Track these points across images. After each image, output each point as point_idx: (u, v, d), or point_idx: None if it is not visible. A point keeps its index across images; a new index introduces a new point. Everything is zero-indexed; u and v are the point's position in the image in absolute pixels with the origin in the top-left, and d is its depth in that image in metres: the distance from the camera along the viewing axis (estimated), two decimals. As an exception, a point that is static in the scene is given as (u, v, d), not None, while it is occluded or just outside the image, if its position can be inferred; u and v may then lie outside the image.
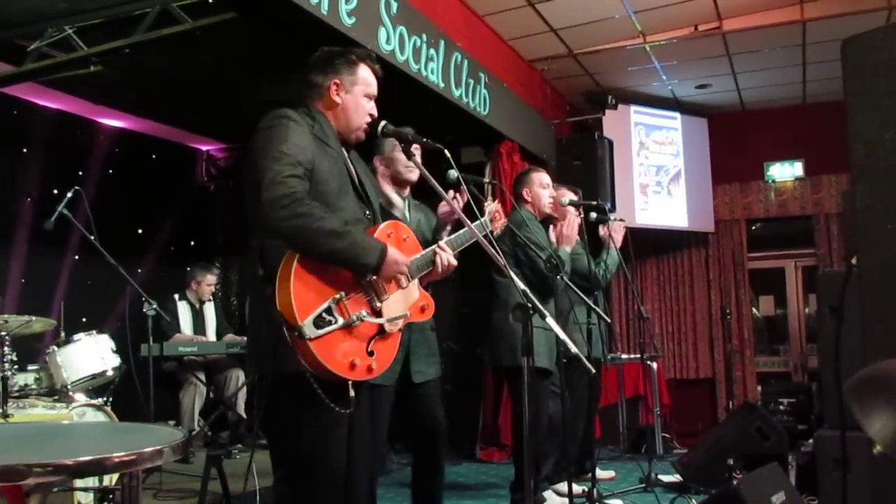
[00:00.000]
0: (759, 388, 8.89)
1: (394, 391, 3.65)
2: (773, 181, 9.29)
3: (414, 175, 3.73)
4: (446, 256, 2.85)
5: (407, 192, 3.86)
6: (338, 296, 2.45)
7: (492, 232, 3.29)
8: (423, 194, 3.73)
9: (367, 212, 2.74)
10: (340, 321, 2.43)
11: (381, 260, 2.49)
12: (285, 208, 2.34)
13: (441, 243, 2.93)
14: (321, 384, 2.36)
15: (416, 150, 3.73)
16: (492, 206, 3.47)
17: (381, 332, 2.57)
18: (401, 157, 3.69)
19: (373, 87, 2.76)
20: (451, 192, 3.14)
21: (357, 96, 2.72)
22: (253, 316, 2.63)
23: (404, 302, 2.70)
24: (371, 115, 2.75)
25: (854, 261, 2.13)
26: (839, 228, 8.79)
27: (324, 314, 2.39)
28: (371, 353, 2.52)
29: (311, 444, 2.48)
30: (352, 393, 2.49)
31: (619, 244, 5.40)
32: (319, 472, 2.49)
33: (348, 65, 2.72)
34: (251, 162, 2.46)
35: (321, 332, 2.36)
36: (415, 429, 3.82)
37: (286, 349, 2.33)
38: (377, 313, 2.56)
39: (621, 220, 5.56)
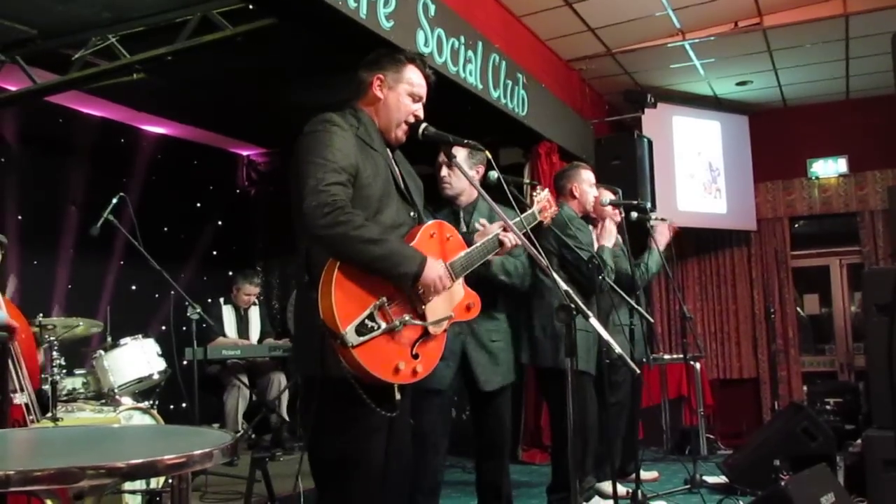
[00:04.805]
0: (805, 387, 8.76)
1: (451, 398, 3.69)
2: (817, 178, 9.13)
3: (451, 191, 3.76)
4: (513, 236, 2.86)
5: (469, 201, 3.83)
6: (380, 301, 2.43)
7: (541, 223, 3.27)
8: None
9: (412, 213, 2.72)
10: (383, 326, 2.42)
11: (420, 270, 2.47)
12: (326, 216, 2.34)
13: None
14: (366, 388, 2.37)
15: (479, 171, 3.74)
16: (541, 195, 3.36)
17: (426, 335, 2.56)
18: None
19: (419, 87, 2.74)
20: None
21: (400, 94, 2.69)
22: (299, 319, 2.65)
23: (448, 302, 2.67)
24: (416, 116, 2.72)
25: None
26: (885, 225, 8.63)
27: (366, 321, 2.38)
28: (416, 357, 2.51)
29: (352, 447, 2.47)
30: (398, 396, 2.51)
31: (663, 246, 5.35)
32: (358, 473, 2.48)
33: (394, 62, 2.72)
34: (295, 167, 2.47)
35: (363, 338, 2.36)
36: (479, 436, 3.84)
37: (331, 355, 2.34)
38: (421, 316, 2.55)
39: (663, 219, 5.50)
